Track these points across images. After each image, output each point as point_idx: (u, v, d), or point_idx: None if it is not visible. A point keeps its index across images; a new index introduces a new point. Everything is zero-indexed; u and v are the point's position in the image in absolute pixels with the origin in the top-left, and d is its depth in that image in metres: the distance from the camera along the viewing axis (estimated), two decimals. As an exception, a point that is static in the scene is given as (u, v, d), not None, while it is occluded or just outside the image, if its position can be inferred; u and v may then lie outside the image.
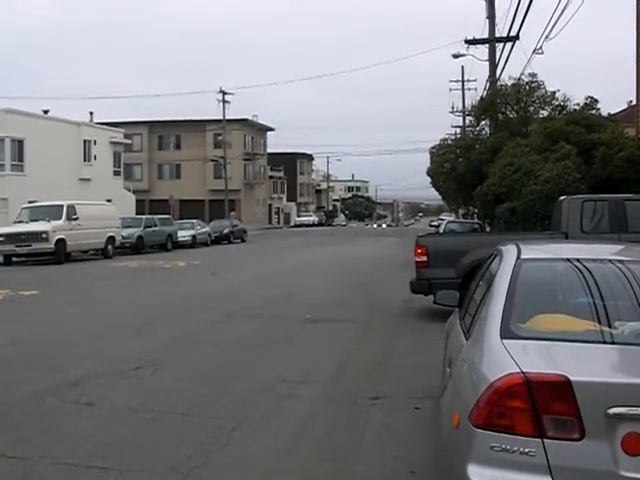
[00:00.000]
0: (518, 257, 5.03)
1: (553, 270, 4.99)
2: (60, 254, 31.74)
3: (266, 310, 15.86)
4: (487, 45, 33.95)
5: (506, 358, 3.72)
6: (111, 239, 36.30)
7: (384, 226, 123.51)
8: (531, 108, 31.13)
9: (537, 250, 5.75)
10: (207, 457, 6.26)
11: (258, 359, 10.62)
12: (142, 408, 7.83)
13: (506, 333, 4.03)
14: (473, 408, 3.62)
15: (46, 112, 50.30)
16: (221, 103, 70.54)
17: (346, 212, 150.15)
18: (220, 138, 76.46)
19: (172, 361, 10.42)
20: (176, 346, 11.68)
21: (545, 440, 3.43)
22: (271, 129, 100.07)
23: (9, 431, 7.07)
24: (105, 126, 57.49)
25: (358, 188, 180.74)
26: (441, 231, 35.43)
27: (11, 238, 31.52)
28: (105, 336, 12.75)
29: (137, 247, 39.49)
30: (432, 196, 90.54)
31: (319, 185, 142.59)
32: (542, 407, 3.46)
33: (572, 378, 3.46)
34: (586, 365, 3.75)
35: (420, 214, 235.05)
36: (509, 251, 5.33)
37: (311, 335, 12.71)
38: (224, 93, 69.68)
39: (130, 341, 12.20)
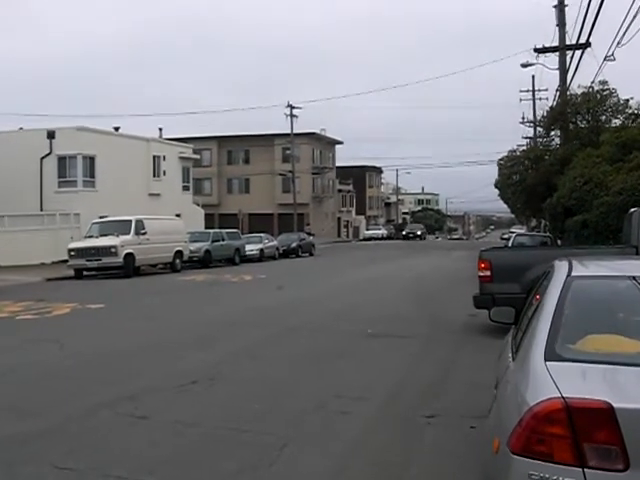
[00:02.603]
0: (568, 274, 4.78)
1: (608, 288, 4.73)
2: (129, 268, 32.16)
3: (328, 325, 15.77)
4: (557, 53, 33.31)
5: (547, 382, 3.51)
6: (179, 253, 36.66)
7: (454, 239, 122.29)
8: (602, 117, 30.40)
9: (592, 266, 5.47)
10: (253, 474, 6.20)
11: (315, 374, 10.54)
12: (195, 423, 7.81)
13: (551, 355, 3.80)
14: (512, 433, 3.45)
15: (117, 129, 51.15)
16: (289, 117, 70.74)
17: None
18: (288, 152, 76.76)
19: (229, 376, 10.42)
20: (234, 360, 11.67)
21: (586, 470, 3.23)
22: (339, 142, 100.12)
23: (63, 443, 7.13)
24: (174, 142, 58.21)
25: (428, 201, 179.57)
26: (510, 244, 34.85)
27: (82, 252, 32.10)
28: (166, 350, 12.87)
29: (205, 261, 39.77)
30: (503, 209, 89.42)
31: (388, 198, 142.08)
32: (583, 435, 3.26)
33: (615, 405, 3.24)
34: (633, 390, 3.49)
35: (491, 227, 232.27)
36: (560, 268, 5.07)
37: (371, 350, 12.58)
38: (292, 107, 70.00)
39: (189, 355, 12.22)
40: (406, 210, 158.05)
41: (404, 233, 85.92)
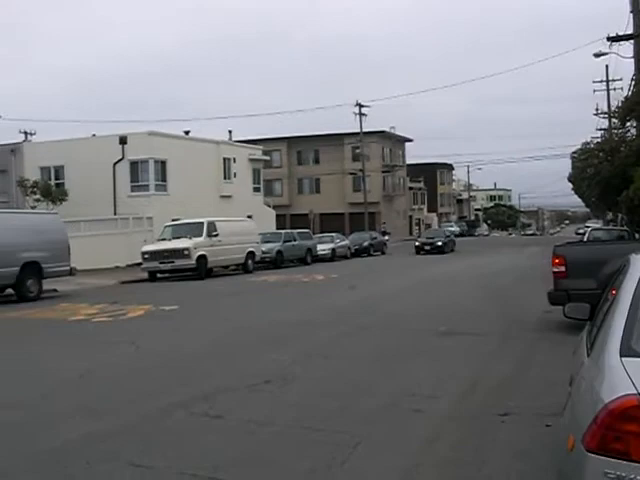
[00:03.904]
0: None
1: None
2: (201, 270, 32.52)
3: (401, 323, 15.69)
4: (632, 41, 32.46)
5: (623, 378, 3.39)
6: (251, 254, 36.91)
7: (527, 235, 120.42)
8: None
9: None
10: (326, 473, 6.19)
11: (388, 373, 10.47)
12: (268, 422, 7.85)
13: (627, 350, 3.67)
14: (587, 431, 3.37)
15: (187, 133, 51.73)
16: (358, 116, 70.64)
17: (488, 221, 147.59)
18: (358, 151, 76.66)
19: (302, 375, 10.43)
20: (307, 360, 11.70)
21: None
22: (409, 140, 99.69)
23: (139, 441, 7.25)
24: (244, 144, 58.62)
25: (500, 197, 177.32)
26: (585, 239, 34.15)
27: (155, 255, 32.58)
28: (239, 350, 12.99)
29: (277, 261, 39.99)
30: (578, 203, 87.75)
31: (460, 195, 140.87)
32: None
33: None
34: None
35: (566, 222, 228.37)
36: (636, 261, 4.88)
37: (444, 348, 12.48)
38: (361, 106, 69.86)
39: (263, 355, 12.29)
40: (478, 207, 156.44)
41: (417, 244, 53.63)
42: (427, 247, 52.59)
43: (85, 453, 6.88)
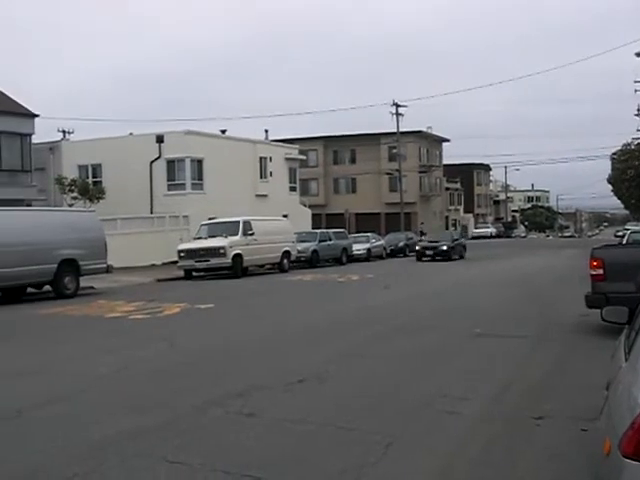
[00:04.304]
0: None
1: None
2: (237, 269, 32.63)
3: (435, 323, 15.64)
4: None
5: None
6: (286, 253, 36.98)
7: (565, 237, 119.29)
8: None
9: None
10: (359, 472, 6.19)
11: (421, 373, 10.47)
12: (302, 420, 7.88)
13: None
14: (624, 436, 3.32)
15: (223, 132, 51.98)
16: (394, 116, 70.40)
17: (526, 223, 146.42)
18: (395, 151, 76.39)
19: (336, 374, 10.44)
20: (341, 359, 11.70)
21: None
22: (446, 140, 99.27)
23: (174, 438, 7.31)
24: (280, 143, 58.73)
25: (538, 198, 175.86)
26: (624, 242, 33.72)
27: (191, 254, 32.79)
28: (274, 348, 13.04)
29: (312, 261, 40.03)
30: (617, 205, 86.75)
31: (497, 196, 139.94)
32: None
33: None
34: None
35: (605, 224, 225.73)
36: None
37: (478, 350, 12.43)
38: (397, 105, 69.65)
39: (297, 354, 12.38)
40: (515, 208, 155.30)
41: (417, 249, 46.75)
42: (429, 252, 45.15)
43: (121, 449, 6.95)
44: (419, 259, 45.01)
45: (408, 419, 7.89)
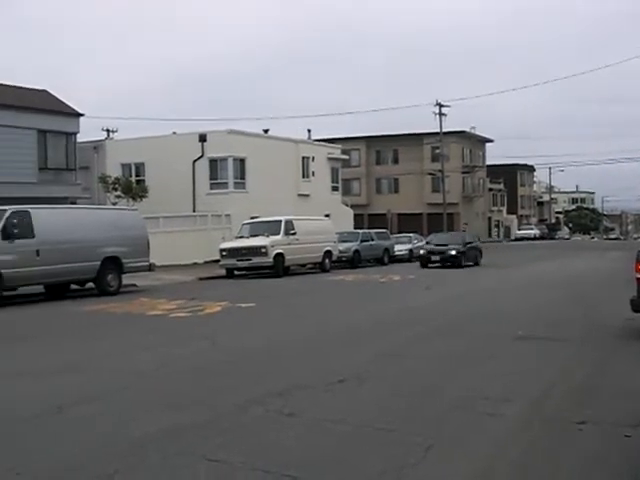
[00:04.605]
0: None
1: None
2: (278, 268, 32.64)
3: (476, 326, 15.48)
4: None
5: None
6: (328, 253, 36.90)
7: (610, 239, 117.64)
8: None
9: None
10: (399, 474, 6.12)
11: (462, 375, 10.34)
12: (342, 421, 7.81)
13: None
14: None
15: (266, 131, 52.14)
16: (437, 116, 69.96)
17: (570, 225, 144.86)
18: (438, 151, 76.00)
19: (376, 375, 10.37)
20: (382, 360, 11.62)
21: None
22: (490, 140, 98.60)
23: (214, 436, 7.29)
24: (323, 143, 58.69)
25: (583, 200, 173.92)
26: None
27: (233, 253, 32.90)
28: (315, 348, 12.98)
29: (354, 261, 39.90)
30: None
31: (541, 197, 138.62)
32: None
33: None
34: None
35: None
36: None
37: (520, 352, 12.25)
38: (440, 105, 69.17)
39: (338, 354, 12.29)
40: (559, 209, 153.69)
41: (422, 253, 40.25)
42: (435, 257, 38.80)
43: (161, 447, 6.96)
44: (424, 265, 38.73)
45: (449, 421, 7.80)
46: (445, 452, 6.72)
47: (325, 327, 15.75)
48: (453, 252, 38.62)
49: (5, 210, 22.11)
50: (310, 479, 6.06)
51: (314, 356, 12.11)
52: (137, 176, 47.21)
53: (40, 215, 22.85)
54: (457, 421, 7.79)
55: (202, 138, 45.49)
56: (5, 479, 6.12)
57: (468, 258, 39.44)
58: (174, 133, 48.81)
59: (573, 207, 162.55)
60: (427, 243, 42.39)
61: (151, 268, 26.99)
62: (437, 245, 40.23)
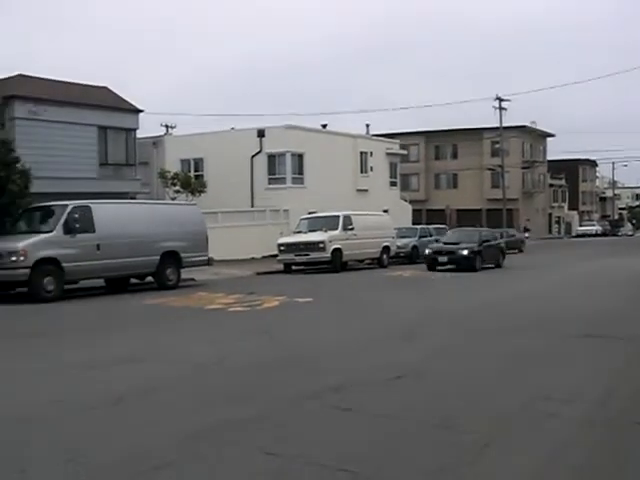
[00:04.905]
0: None
1: None
2: (336, 263, 32.59)
3: (539, 322, 15.20)
4: None
5: None
6: (386, 249, 36.69)
7: None
8: None
9: None
10: (455, 472, 6.04)
11: (523, 374, 10.15)
12: (399, 417, 7.75)
13: None
14: None
15: (324, 126, 52.15)
16: (497, 110, 69.10)
17: (633, 221, 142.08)
18: (497, 146, 75.06)
19: (435, 371, 10.26)
20: (440, 357, 11.50)
21: None
22: (551, 135, 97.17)
23: (271, 430, 7.30)
24: (381, 138, 58.44)
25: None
26: None
27: (291, 247, 32.98)
28: (372, 344, 12.87)
29: (412, 257, 39.63)
30: None
31: (604, 193, 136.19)
32: None
33: None
34: None
35: None
36: None
37: (583, 351, 11.99)
38: (500, 100, 68.33)
39: (396, 349, 12.20)
40: (623, 205, 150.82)
41: (427, 253, 34.04)
42: (442, 259, 32.71)
43: (217, 439, 6.98)
44: (431, 268, 32.61)
45: (507, 420, 7.68)
46: (502, 452, 6.60)
47: (383, 322, 15.68)
48: (464, 252, 32.39)
49: (67, 205, 22.46)
50: (367, 474, 5.98)
51: (372, 351, 12.03)
52: (196, 171, 47.55)
53: (101, 210, 23.15)
54: (516, 421, 7.66)
55: (260, 133, 45.68)
56: (66, 467, 6.19)
57: (486, 259, 33.64)
58: (232, 129, 49.05)
59: (637, 203, 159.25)
60: (436, 241, 36.66)
61: (209, 262, 27.16)
62: (446, 243, 34.46)
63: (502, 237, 47.31)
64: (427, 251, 33.97)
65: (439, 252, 33.11)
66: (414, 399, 8.56)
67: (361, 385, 9.29)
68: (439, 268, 32.38)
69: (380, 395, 8.77)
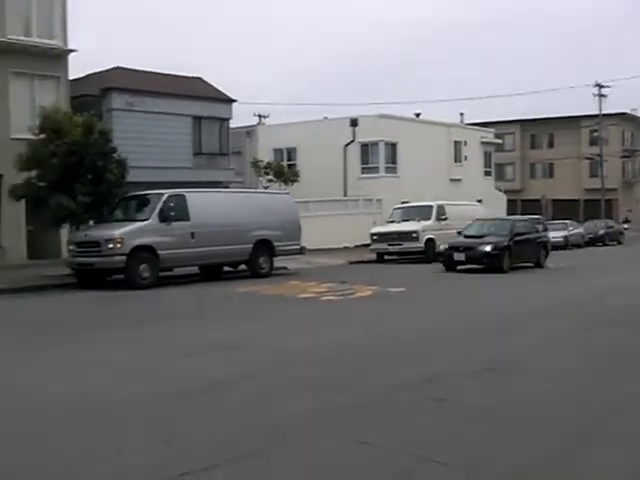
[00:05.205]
0: None
1: None
2: (429, 253, 32.22)
3: (634, 319, 14.52)
4: None
5: None
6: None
7: None
8: None
9: None
10: (552, 468, 5.85)
11: (629, 371, 9.72)
12: (492, 409, 7.61)
13: None
14: None
15: (417, 115, 51.72)
16: (597, 97, 67.24)
17: None
18: (596, 135, 73.11)
19: (529, 365, 9.95)
20: (535, 350, 11.20)
21: None
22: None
23: (365, 419, 7.25)
24: (476, 127, 57.63)
25: None
26: None
27: (384, 237, 32.87)
28: (466, 335, 12.65)
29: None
30: None
31: None
32: None
33: None
34: None
35: None
36: None
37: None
38: (600, 86, 66.44)
39: (490, 342, 11.97)
40: None
41: (443, 249, 27.87)
42: (459, 256, 26.58)
43: (312, 426, 6.99)
44: (449, 268, 26.74)
45: (608, 414, 7.45)
46: (602, 449, 6.37)
47: (476, 314, 15.45)
48: (487, 248, 26.14)
49: (162, 194, 22.81)
50: (461, 466, 5.83)
51: (465, 343, 11.82)
52: (289, 160, 47.79)
53: (195, 199, 23.43)
54: (619, 415, 7.43)
55: (353, 123, 45.56)
56: (164, 449, 6.29)
57: (519, 256, 27.61)
58: (325, 118, 49.05)
59: None
60: (458, 234, 29.25)
61: (302, 251, 27.19)
62: (468, 237, 27.87)
63: (608, 228, 44.41)
64: (442, 246, 28.12)
65: (456, 247, 27.04)
66: (507, 392, 8.39)
67: (454, 376, 9.13)
68: (460, 268, 26.57)
69: (474, 387, 8.60)
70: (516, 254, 27.10)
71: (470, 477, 5.66)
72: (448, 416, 7.35)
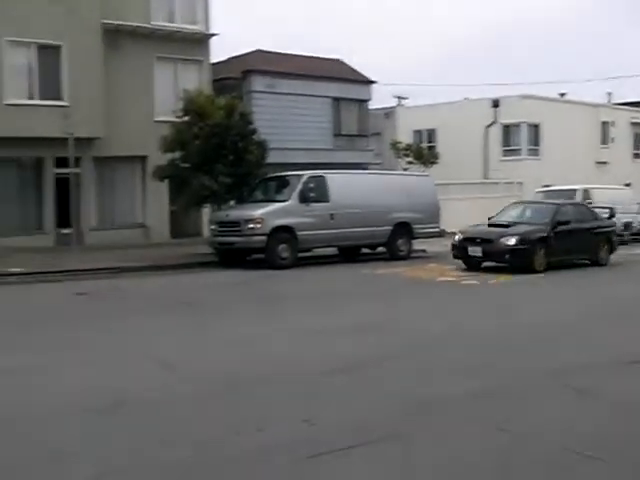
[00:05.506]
0: None
1: None
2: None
3: None
4: None
5: None
6: (627, 226, 34.64)
7: None
8: None
9: None
10: None
11: None
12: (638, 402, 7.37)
13: None
14: None
15: (562, 95, 50.14)
16: None
17: None
18: None
19: None
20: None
21: None
22: None
23: (505, 407, 7.12)
24: (626, 107, 55.39)
25: None
26: None
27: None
28: (610, 323, 12.36)
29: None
30: None
31: None
32: None
33: None
34: None
35: None
36: None
37: None
38: None
39: (635, 333, 11.59)
40: None
41: (457, 240, 21.42)
42: (474, 250, 20.56)
43: (450, 411, 6.94)
44: (469, 265, 21.00)
45: None
46: None
47: (617, 305, 14.81)
48: (511, 241, 20.25)
49: (302, 175, 23.04)
50: (600, 457, 5.65)
51: (610, 331, 11.47)
52: (429, 142, 47.36)
53: (335, 180, 23.53)
54: None
55: (495, 104, 44.62)
56: (300, 428, 6.34)
57: (566, 251, 21.42)
58: (466, 99, 48.28)
59: None
60: (489, 219, 23.11)
61: (441, 234, 26.92)
62: (491, 225, 22.09)
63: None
64: (456, 237, 21.88)
65: (472, 239, 21.02)
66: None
67: (600, 367, 8.86)
68: (470, 262, 21.06)
69: (618, 379, 8.30)
70: (559, 248, 20.88)
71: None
72: (593, 408, 7.17)
